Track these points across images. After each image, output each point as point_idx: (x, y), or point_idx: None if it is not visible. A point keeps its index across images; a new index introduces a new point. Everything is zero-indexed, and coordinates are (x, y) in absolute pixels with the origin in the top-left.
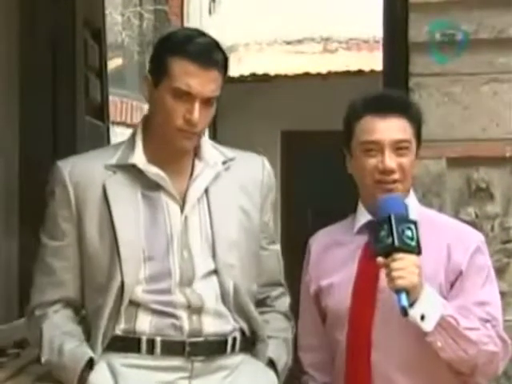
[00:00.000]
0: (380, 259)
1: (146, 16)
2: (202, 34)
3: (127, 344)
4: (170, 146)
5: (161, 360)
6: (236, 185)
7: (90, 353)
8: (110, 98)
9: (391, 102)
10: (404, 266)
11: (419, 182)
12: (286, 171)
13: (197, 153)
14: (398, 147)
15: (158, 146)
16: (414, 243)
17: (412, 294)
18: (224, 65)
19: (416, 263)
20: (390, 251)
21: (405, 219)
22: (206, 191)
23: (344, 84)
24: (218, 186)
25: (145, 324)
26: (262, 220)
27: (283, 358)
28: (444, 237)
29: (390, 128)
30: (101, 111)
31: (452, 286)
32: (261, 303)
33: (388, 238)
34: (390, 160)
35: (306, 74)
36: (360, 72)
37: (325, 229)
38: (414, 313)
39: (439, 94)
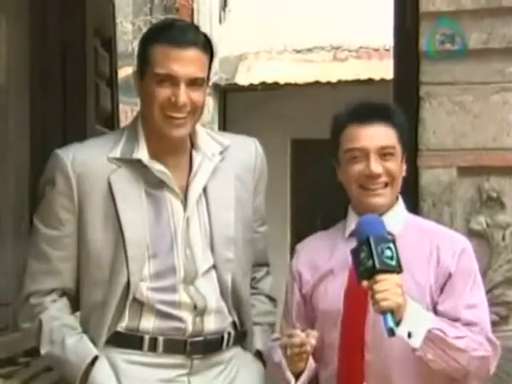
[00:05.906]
0: (365, 283)
1: None
2: (181, 21)
3: (129, 341)
4: (165, 138)
5: (162, 358)
6: (232, 175)
7: (95, 351)
8: (121, 106)
9: (373, 110)
10: (386, 287)
11: (429, 191)
12: (296, 179)
13: (193, 143)
14: (383, 153)
15: (157, 139)
16: (394, 262)
17: (397, 313)
18: (205, 45)
19: (398, 283)
20: (372, 273)
21: (383, 239)
22: (205, 187)
23: (354, 92)
24: (215, 181)
25: (149, 324)
26: (254, 204)
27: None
28: (432, 240)
29: (373, 135)
30: (111, 120)
31: (442, 289)
32: None
33: (369, 261)
34: (376, 165)
35: (316, 83)
36: (370, 80)
37: (315, 234)
38: (401, 331)
39: (450, 103)
